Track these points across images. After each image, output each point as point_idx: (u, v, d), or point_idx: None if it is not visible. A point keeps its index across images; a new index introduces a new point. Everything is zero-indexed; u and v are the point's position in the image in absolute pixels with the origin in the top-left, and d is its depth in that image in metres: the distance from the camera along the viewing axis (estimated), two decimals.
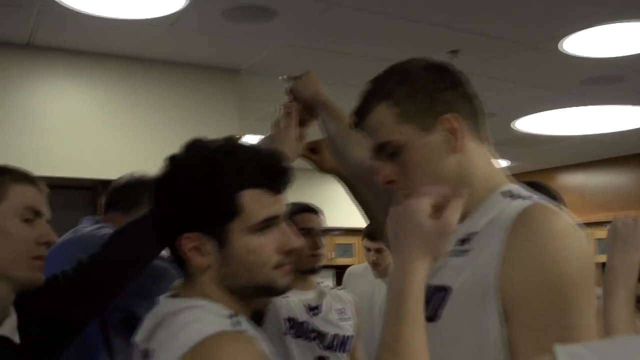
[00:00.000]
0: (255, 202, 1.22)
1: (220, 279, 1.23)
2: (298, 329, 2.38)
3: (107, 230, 2.16)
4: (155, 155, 2.45)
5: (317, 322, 2.43)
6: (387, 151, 1.31)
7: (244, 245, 1.22)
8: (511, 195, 1.28)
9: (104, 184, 3.02)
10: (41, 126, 4.32)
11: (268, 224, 1.23)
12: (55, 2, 3.61)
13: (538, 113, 6.03)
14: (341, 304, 2.57)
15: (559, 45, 4.34)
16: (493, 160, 1.35)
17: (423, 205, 1.20)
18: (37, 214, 1.60)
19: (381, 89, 1.33)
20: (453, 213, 1.19)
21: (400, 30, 4.14)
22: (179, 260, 1.26)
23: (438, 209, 1.20)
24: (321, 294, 2.55)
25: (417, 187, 1.27)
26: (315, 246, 2.52)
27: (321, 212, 2.69)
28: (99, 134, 4.45)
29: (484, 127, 1.35)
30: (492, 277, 1.16)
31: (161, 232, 1.29)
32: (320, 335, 2.41)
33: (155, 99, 4.69)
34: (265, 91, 5.18)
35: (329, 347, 2.43)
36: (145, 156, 4.17)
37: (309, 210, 2.63)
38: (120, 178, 2.41)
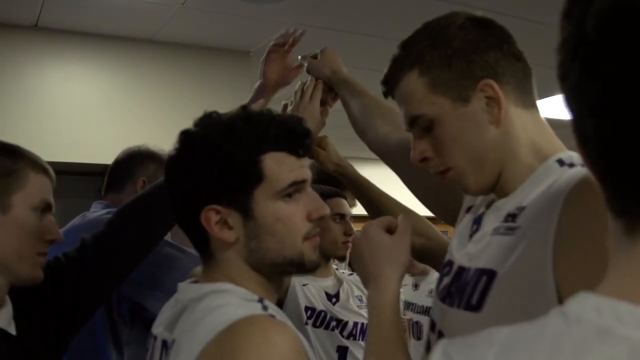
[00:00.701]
0: (279, 166, 1.16)
1: (248, 254, 1.16)
2: (317, 318, 2.30)
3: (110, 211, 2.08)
4: (166, 139, 2.38)
5: (337, 311, 2.36)
6: (420, 125, 1.18)
7: (272, 213, 1.15)
8: (570, 163, 1.09)
9: None
10: (49, 110, 4.26)
11: (295, 189, 1.17)
12: None
13: (555, 96, 5.91)
14: (359, 291, 2.49)
15: None
16: (544, 127, 1.18)
17: (376, 226, 1.26)
18: (49, 207, 1.50)
19: (411, 54, 1.18)
20: (405, 227, 1.26)
21: (417, 9, 4.02)
22: (200, 241, 1.19)
23: (392, 231, 1.26)
24: (339, 281, 2.48)
25: (454, 165, 1.16)
26: (350, 232, 2.42)
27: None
28: (108, 118, 4.38)
29: (531, 89, 1.18)
30: (545, 259, 0.99)
31: (181, 210, 1.20)
32: (340, 324, 2.33)
33: (165, 82, 4.61)
34: None
35: (350, 336, 2.35)
36: (155, 140, 4.01)
37: (341, 194, 2.50)
38: (115, 158, 2.35)
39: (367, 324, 2.36)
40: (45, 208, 1.48)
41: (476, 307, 1.06)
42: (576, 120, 0.60)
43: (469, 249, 1.17)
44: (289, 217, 1.16)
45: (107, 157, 4.15)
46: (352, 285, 2.48)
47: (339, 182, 2.09)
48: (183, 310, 1.14)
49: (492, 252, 1.08)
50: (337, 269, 2.58)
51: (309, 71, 1.83)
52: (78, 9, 3.99)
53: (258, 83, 1.89)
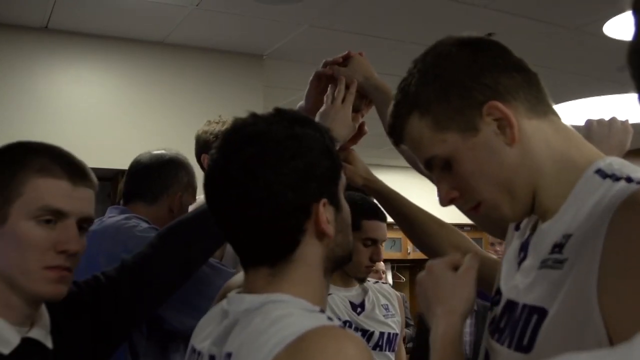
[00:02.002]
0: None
1: (331, 250, 1.14)
2: None
3: (136, 221, 2.03)
4: (178, 144, 2.33)
5: (362, 321, 2.30)
6: (437, 166, 1.13)
7: (346, 205, 1.18)
8: (612, 174, 1.00)
9: (125, 174, 2.89)
10: (59, 113, 4.21)
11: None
12: None
13: (572, 101, 5.84)
14: (385, 300, 2.42)
15: (602, 28, 4.14)
16: (570, 133, 1.10)
17: (440, 263, 1.23)
18: (60, 214, 1.31)
19: (407, 97, 1.13)
20: (471, 263, 1.21)
21: (435, 11, 3.96)
22: (284, 244, 1.11)
23: (457, 268, 1.22)
24: (364, 290, 2.41)
25: (483, 198, 1.10)
26: (377, 259, 2.34)
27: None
28: (118, 122, 4.34)
29: (542, 96, 1.10)
30: (590, 292, 0.89)
31: (279, 211, 1.09)
32: (366, 335, 2.27)
33: (177, 85, 4.56)
34: (288, 78, 5.05)
35: (377, 347, 2.29)
36: (166, 144, 3.98)
37: (380, 217, 2.35)
38: (137, 160, 2.24)
39: (393, 334, 2.34)
40: (57, 215, 1.31)
41: (527, 349, 1.00)
42: None
43: (517, 281, 1.10)
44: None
45: (117, 162, 4.12)
46: (377, 294, 2.42)
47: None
48: (235, 323, 1.07)
49: (541, 287, 1.01)
50: None
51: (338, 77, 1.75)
52: (88, 10, 3.95)
53: (299, 105, 1.82)
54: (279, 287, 1.10)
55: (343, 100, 1.66)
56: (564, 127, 1.10)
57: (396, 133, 1.17)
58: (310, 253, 1.11)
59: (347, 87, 1.69)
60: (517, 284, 1.09)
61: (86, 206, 1.37)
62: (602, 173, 1.01)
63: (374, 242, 2.30)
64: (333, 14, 4.00)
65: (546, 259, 1.02)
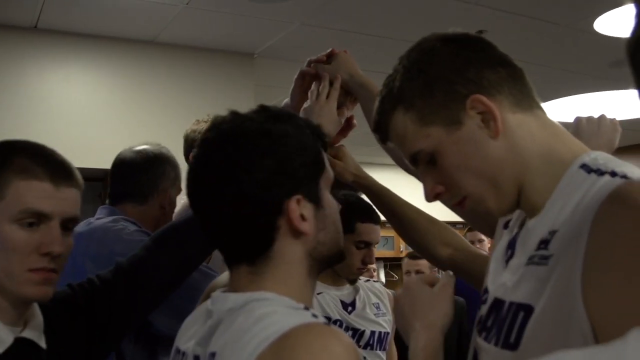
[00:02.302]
0: (326, 159, 1.19)
1: (313, 248, 1.13)
2: None
3: (124, 224, 2.01)
4: (169, 143, 2.32)
5: (353, 320, 2.29)
6: (422, 160, 1.13)
7: (332, 202, 1.17)
8: (597, 169, 1.00)
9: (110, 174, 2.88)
10: (48, 113, 4.20)
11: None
12: None
13: (563, 98, 5.85)
14: (376, 298, 2.41)
15: (593, 25, 4.14)
16: (555, 128, 1.10)
17: (417, 280, 1.26)
18: (43, 216, 1.30)
19: (391, 93, 1.14)
20: (447, 280, 1.24)
21: (426, 9, 3.96)
22: (260, 242, 1.11)
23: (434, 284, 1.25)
24: (355, 289, 2.40)
25: (468, 192, 1.09)
26: (369, 261, 2.32)
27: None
28: (108, 122, 4.33)
29: (527, 91, 1.10)
30: (575, 289, 0.89)
31: (252, 207, 1.10)
32: (357, 334, 2.26)
33: (168, 84, 4.55)
34: (279, 77, 5.03)
35: (367, 346, 2.28)
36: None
37: (374, 220, 2.33)
38: (120, 159, 2.20)
39: (384, 333, 2.33)
40: (39, 217, 1.30)
41: (514, 346, 1.00)
42: None
43: (504, 278, 1.10)
44: (338, 207, 1.19)
45: (107, 161, 4.04)
46: (369, 292, 2.41)
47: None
48: (219, 323, 1.07)
49: (527, 284, 1.01)
50: None
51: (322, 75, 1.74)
52: (78, 10, 3.93)
53: (285, 102, 1.81)
54: (262, 285, 1.09)
55: (327, 96, 1.66)
56: (550, 122, 1.10)
57: (381, 129, 1.17)
58: (289, 251, 1.11)
59: (331, 84, 1.68)
60: (504, 281, 1.09)
61: (70, 206, 1.36)
62: (587, 168, 1.01)
63: (367, 245, 2.28)
64: (324, 13, 3.99)
65: (532, 255, 1.02)
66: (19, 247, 1.29)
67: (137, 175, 2.15)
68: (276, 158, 1.09)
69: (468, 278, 1.57)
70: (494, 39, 1.14)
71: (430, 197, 1.15)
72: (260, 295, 1.07)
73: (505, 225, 1.22)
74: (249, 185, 1.08)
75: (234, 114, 1.16)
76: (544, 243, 1.01)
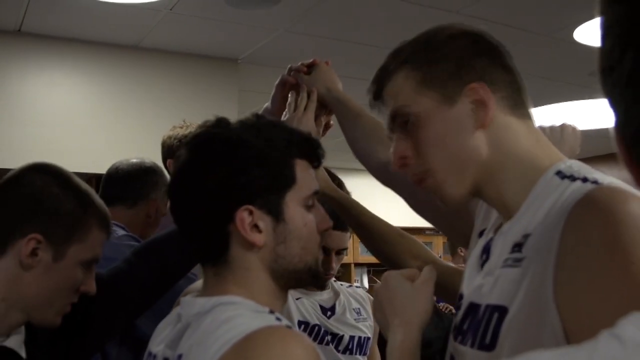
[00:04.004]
0: (305, 173, 1.19)
1: (273, 260, 1.15)
2: (311, 332, 2.22)
3: (114, 227, 2.00)
4: (151, 148, 2.34)
5: (332, 325, 2.28)
6: (401, 120, 1.14)
7: (300, 218, 1.16)
8: (571, 175, 1.03)
9: (98, 178, 2.89)
10: (32, 117, 4.18)
11: (314, 198, 1.20)
12: None
13: (543, 106, 5.90)
14: (357, 303, 2.41)
15: (573, 34, 4.19)
16: (539, 135, 1.13)
17: (396, 275, 1.22)
18: (96, 262, 1.47)
19: (402, 54, 1.16)
20: (428, 275, 1.21)
21: (408, 16, 3.98)
22: (217, 248, 1.15)
23: (414, 279, 1.22)
24: (336, 294, 2.39)
25: (432, 168, 1.11)
26: (327, 267, 2.23)
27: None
28: (92, 126, 4.31)
29: (524, 103, 1.13)
30: (546, 291, 0.91)
31: (206, 213, 1.15)
32: (336, 339, 2.26)
33: (151, 89, 4.54)
34: (263, 82, 5.03)
35: (346, 351, 2.27)
36: (140, 149, 3.99)
37: (341, 227, 2.23)
38: (116, 167, 2.29)
39: (365, 338, 2.33)
40: (93, 263, 1.46)
41: (490, 347, 1.01)
42: (623, 118, 0.54)
43: (480, 281, 1.12)
44: (312, 224, 1.18)
45: (91, 165, 4.09)
46: (349, 297, 2.40)
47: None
48: (187, 326, 1.10)
49: (501, 286, 1.03)
50: (335, 281, 2.48)
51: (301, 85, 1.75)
52: (62, 14, 3.92)
53: (265, 106, 1.83)
54: (226, 287, 1.13)
55: (305, 108, 1.68)
56: (536, 130, 1.13)
57: (378, 82, 1.18)
58: (245, 258, 1.14)
59: (309, 96, 1.70)
60: (479, 285, 1.11)
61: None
62: (561, 174, 1.04)
63: (325, 251, 2.18)
64: (307, 19, 4.01)
65: (507, 258, 1.04)
66: (74, 284, 1.41)
67: (131, 180, 2.21)
68: (230, 167, 1.13)
69: (437, 289, 1.59)
70: None
71: (397, 161, 1.16)
72: (226, 299, 1.10)
73: (480, 234, 1.24)
74: (201, 190, 1.13)
75: (218, 120, 1.20)
76: (517, 246, 1.03)
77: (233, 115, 4.59)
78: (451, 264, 1.83)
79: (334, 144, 1.73)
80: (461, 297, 1.19)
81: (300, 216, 1.16)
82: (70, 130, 4.25)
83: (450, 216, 1.39)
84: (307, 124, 1.66)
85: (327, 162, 1.86)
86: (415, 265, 1.62)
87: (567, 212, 0.93)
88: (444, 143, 1.10)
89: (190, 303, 1.14)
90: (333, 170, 2.34)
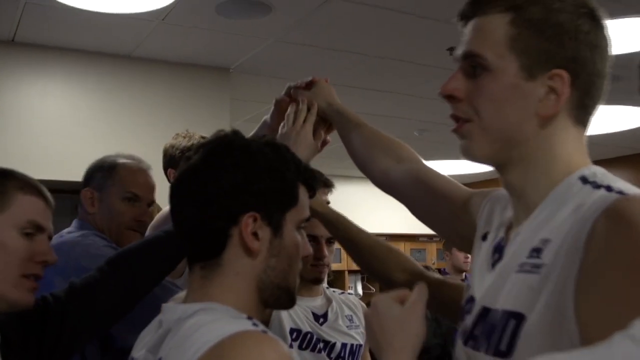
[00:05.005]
0: (304, 198, 1.24)
1: (263, 270, 1.19)
2: (303, 340, 2.23)
3: (94, 238, 2.03)
4: (145, 157, 2.34)
5: (324, 332, 2.28)
6: (472, 64, 1.08)
7: (293, 238, 1.22)
8: (594, 181, 1.01)
9: None
10: (24, 126, 4.19)
11: (305, 224, 1.25)
12: None
13: None
14: (349, 310, 2.42)
15: None
16: (582, 145, 1.10)
17: (385, 298, 1.17)
18: (40, 228, 1.47)
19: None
20: (418, 296, 1.16)
21: (400, 26, 4.02)
22: (212, 249, 1.19)
23: (404, 301, 1.16)
24: (328, 301, 2.40)
25: (478, 119, 1.08)
26: (320, 255, 2.33)
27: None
28: (85, 135, 4.32)
29: (590, 112, 1.09)
30: (567, 300, 0.90)
31: (213, 212, 1.18)
32: (328, 346, 2.27)
33: (144, 98, 4.56)
34: (255, 91, 5.07)
35: (339, 358, 2.27)
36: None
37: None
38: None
39: (357, 345, 2.34)
40: (37, 229, 1.46)
41: (506, 354, 0.99)
42: None
43: (491, 282, 1.10)
44: (301, 247, 1.23)
45: (83, 174, 4.09)
46: (342, 304, 2.41)
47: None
48: (168, 331, 1.13)
49: (518, 292, 1.01)
50: (327, 288, 2.50)
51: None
52: (56, 23, 3.94)
53: (264, 119, 1.84)
54: (210, 292, 1.16)
55: (304, 121, 1.69)
56: (584, 137, 1.11)
57: (476, 8, 1.10)
58: (238, 262, 1.17)
59: (308, 109, 1.71)
60: (491, 286, 1.09)
61: (51, 224, 1.51)
62: (584, 179, 1.03)
63: (314, 239, 2.25)
64: (299, 29, 4.04)
65: (524, 263, 1.02)
66: (18, 253, 1.42)
67: (96, 169, 2.19)
68: (246, 172, 1.17)
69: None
70: None
71: (447, 90, 1.11)
72: (207, 306, 1.13)
73: (484, 237, 1.23)
74: (214, 189, 1.17)
75: (234, 131, 1.26)
76: (536, 251, 1.01)
77: (225, 123, 4.62)
78: (438, 276, 1.84)
79: (329, 151, 1.75)
80: (471, 299, 1.16)
81: (294, 236, 1.22)
82: (63, 139, 4.27)
83: (455, 222, 1.39)
84: (305, 137, 1.68)
85: (322, 169, 1.89)
86: (403, 278, 1.64)
87: (591, 221, 0.92)
88: (502, 108, 1.06)
89: (172, 309, 1.18)
90: (330, 177, 2.38)
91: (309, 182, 1.26)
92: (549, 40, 1.04)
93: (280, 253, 1.20)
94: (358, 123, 1.66)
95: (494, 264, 1.13)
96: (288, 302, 1.26)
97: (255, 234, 1.16)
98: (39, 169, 3.99)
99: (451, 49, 4.43)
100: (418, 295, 1.17)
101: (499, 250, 1.13)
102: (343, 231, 1.79)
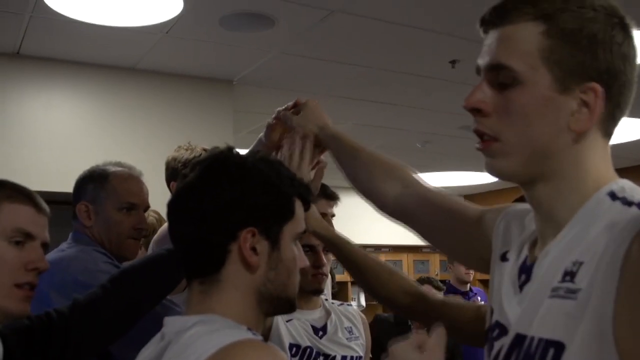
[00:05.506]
0: (300, 212, 1.26)
1: (262, 283, 1.21)
2: (303, 355, 2.22)
3: (95, 254, 2.02)
4: (149, 169, 2.35)
5: (324, 345, 2.27)
6: (500, 78, 1.03)
7: (291, 250, 1.24)
8: (623, 197, 0.97)
9: None
10: (30, 138, 4.21)
11: (301, 236, 1.27)
12: (48, 7, 3.49)
13: None
14: (349, 322, 2.40)
15: None
16: (608, 157, 1.06)
17: (403, 345, 1.08)
18: (29, 236, 1.45)
19: (546, 4, 1.01)
20: (437, 341, 1.07)
21: (402, 39, 4.03)
22: (211, 264, 1.20)
23: (422, 346, 1.08)
24: (327, 313, 2.39)
25: (507, 137, 1.02)
26: (320, 264, 2.33)
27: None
28: (89, 147, 4.32)
29: (618, 124, 1.05)
30: (608, 327, 0.86)
31: (211, 228, 1.20)
32: (328, 359, 2.26)
33: (147, 111, 4.59)
34: (258, 103, 5.09)
35: None
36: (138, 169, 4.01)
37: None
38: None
39: (357, 357, 2.33)
40: (26, 237, 1.45)
41: None
42: None
43: (524, 308, 1.04)
44: (298, 260, 1.26)
45: None
46: (341, 316, 2.40)
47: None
48: (169, 343, 1.14)
49: (554, 319, 0.95)
50: (326, 300, 2.50)
51: (292, 127, 1.71)
52: (60, 36, 3.97)
53: (259, 137, 1.84)
54: (209, 306, 1.18)
55: (301, 154, 1.68)
56: (608, 147, 1.07)
57: (501, 15, 1.04)
58: (237, 277, 1.19)
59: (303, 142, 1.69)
60: (524, 312, 1.04)
61: (46, 232, 1.51)
62: (613, 195, 0.99)
63: (312, 249, 2.26)
64: (301, 41, 4.06)
65: (557, 287, 0.97)
66: (8, 262, 1.41)
67: (85, 182, 2.19)
68: (243, 188, 1.19)
69: (426, 322, 1.53)
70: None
71: (473, 102, 1.05)
72: (206, 317, 1.15)
73: (503, 257, 1.18)
74: (212, 206, 1.19)
75: (229, 147, 1.27)
76: (569, 275, 0.96)
77: (228, 135, 4.63)
78: (439, 296, 1.82)
79: (329, 162, 1.74)
80: (498, 325, 1.10)
81: (291, 249, 1.24)
82: (67, 151, 4.28)
83: (472, 243, 1.33)
84: (301, 173, 1.64)
85: (325, 181, 1.89)
86: (405, 301, 1.65)
87: (627, 243, 0.88)
88: (533, 122, 1.01)
89: (173, 322, 1.20)
90: (333, 189, 2.38)
91: (303, 195, 1.28)
92: (583, 52, 0.99)
93: (278, 266, 1.22)
94: (354, 148, 1.61)
95: (521, 286, 1.08)
96: (289, 309, 1.28)
97: (254, 249, 1.18)
98: (42, 181, 4.02)
99: (453, 62, 4.47)
100: (436, 340, 1.10)
101: (525, 271, 1.08)
102: (346, 254, 1.79)
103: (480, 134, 1.07)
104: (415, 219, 1.48)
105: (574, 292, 0.93)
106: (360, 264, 1.75)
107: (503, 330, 1.08)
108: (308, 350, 2.22)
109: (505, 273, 1.13)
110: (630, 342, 0.84)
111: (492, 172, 1.09)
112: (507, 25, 1.03)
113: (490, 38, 1.06)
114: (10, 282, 1.41)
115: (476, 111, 1.05)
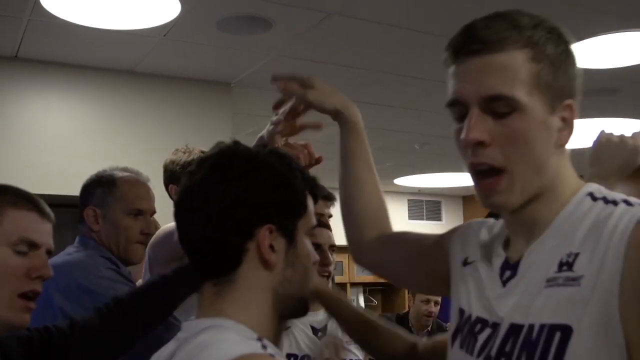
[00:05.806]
0: (311, 206, 1.23)
1: (279, 282, 1.15)
2: None
3: (99, 259, 2.02)
4: (147, 172, 2.35)
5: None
6: (498, 107, 1.05)
7: (305, 246, 1.19)
8: (603, 197, 1.06)
9: None
10: (29, 141, 4.21)
11: (313, 232, 1.24)
12: (46, 11, 3.49)
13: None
14: None
15: None
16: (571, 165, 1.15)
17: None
18: (34, 245, 1.42)
19: (528, 31, 1.06)
20: None
21: (400, 41, 4.04)
22: (226, 263, 1.14)
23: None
24: (329, 315, 2.39)
25: (514, 166, 1.05)
26: (326, 262, 2.30)
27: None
28: (88, 150, 4.33)
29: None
30: (614, 313, 0.93)
31: (228, 226, 1.14)
32: None
33: (146, 113, 4.59)
34: (256, 105, 5.09)
35: None
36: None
37: (321, 225, 2.33)
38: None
39: None
40: (30, 246, 1.41)
41: None
42: None
43: (517, 299, 1.07)
44: (311, 254, 1.21)
45: None
46: None
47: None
48: (179, 347, 1.09)
49: (556, 305, 1.00)
50: None
51: (308, 104, 1.56)
52: (58, 40, 3.97)
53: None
54: (222, 308, 1.12)
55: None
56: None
57: (488, 45, 1.05)
58: (253, 277, 1.13)
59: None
60: (517, 302, 1.07)
61: (50, 239, 1.47)
62: (592, 196, 1.08)
63: (318, 247, 2.19)
64: (300, 44, 4.06)
65: (554, 277, 1.02)
66: (11, 270, 1.38)
67: (92, 186, 2.19)
68: (251, 182, 1.13)
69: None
70: None
71: (476, 138, 1.05)
72: (218, 322, 1.09)
73: (464, 262, 1.23)
74: (226, 205, 1.12)
75: (235, 142, 1.22)
76: (565, 265, 1.01)
77: (226, 137, 4.61)
78: (428, 340, 1.82)
79: (327, 164, 1.72)
80: (480, 320, 1.14)
81: (305, 245, 1.19)
82: (66, 153, 4.29)
83: (428, 267, 1.38)
84: None
85: (326, 183, 1.88)
86: (402, 353, 1.69)
87: (627, 234, 0.96)
88: (534, 147, 1.06)
89: (186, 327, 1.15)
90: (332, 191, 2.38)
91: (313, 190, 1.25)
92: (561, 72, 1.07)
93: (295, 263, 1.16)
94: (364, 140, 1.54)
95: (505, 282, 1.11)
96: (302, 312, 1.23)
97: (271, 246, 1.13)
98: (41, 184, 4.02)
99: None
100: None
101: (510, 268, 1.12)
102: (345, 312, 1.82)
103: (481, 167, 1.08)
104: (390, 264, 1.50)
105: (574, 279, 0.99)
106: (360, 320, 1.79)
107: (485, 323, 1.11)
108: (306, 359, 2.21)
109: (482, 272, 1.17)
110: (633, 323, 0.92)
111: (494, 208, 1.12)
112: (495, 53, 1.05)
113: (473, 66, 1.06)
114: (14, 291, 1.38)
115: (479, 144, 1.06)
